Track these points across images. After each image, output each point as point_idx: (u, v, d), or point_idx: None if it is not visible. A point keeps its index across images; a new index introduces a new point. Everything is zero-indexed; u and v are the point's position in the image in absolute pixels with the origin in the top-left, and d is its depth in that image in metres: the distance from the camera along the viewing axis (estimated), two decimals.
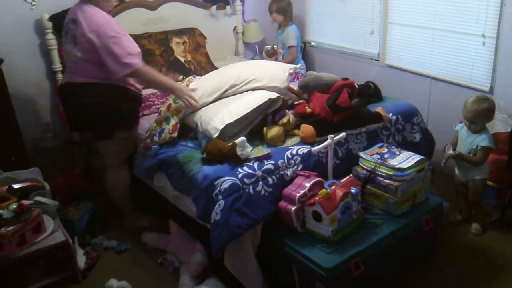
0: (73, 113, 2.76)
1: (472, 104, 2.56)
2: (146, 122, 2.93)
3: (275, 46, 4.29)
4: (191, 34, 3.90)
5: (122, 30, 2.54)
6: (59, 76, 3.38)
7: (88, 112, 2.63)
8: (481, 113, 2.55)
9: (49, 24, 3.31)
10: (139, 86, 2.78)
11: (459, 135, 2.72)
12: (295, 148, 2.41)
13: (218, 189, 2.17)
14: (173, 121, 2.63)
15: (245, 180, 2.21)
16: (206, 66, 3.81)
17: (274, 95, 2.54)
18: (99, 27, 2.46)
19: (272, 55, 4.26)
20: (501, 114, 2.88)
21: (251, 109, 2.45)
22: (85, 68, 2.57)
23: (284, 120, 2.51)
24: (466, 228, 2.79)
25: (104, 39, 2.44)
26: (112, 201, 3.00)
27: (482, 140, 2.57)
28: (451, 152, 2.63)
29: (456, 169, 2.77)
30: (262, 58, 4.28)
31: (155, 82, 2.67)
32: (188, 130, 2.68)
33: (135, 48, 2.54)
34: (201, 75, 3.14)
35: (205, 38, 4.00)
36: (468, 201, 2.77)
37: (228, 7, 4.21)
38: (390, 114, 2.79)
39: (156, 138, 2.63)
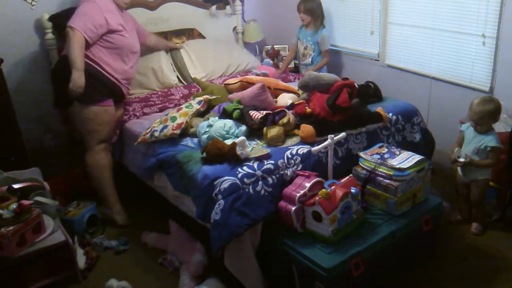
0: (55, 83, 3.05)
1: (477, 106, 2.56)
2: (147, 122, 2.94)
3: (275, 47, 4.30)
4: (190, 34, 3.91)
5: (104, 5, 2.84)
6: None
7: (52, 80, 2.99)
8: (486, 114, 2.55)
9: (49, 24, 3.31)
10: (118, 76, 2.97)
11: (465, 135, 2.71)
12: (295, 148, 2.41)
13: (218, 189, 2.17)
14: (179, 120, 2.64)
15: (245, 180, 2.21)
16: None
17: None
18: None
19: (272, 55, 4.27)
20: (501, 114, 2.88)
21: None
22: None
23: (284, 120, 2.51)
24: (466, 228, 2.79)
25: (82, 2, 2.83)
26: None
27: (490, 141, 2.57)
28: (461, 160, 2.62)
29: (458, 169, 2.77)
30: (262, 58, 4.28)
31: (70, 52, 2.74)
32: (189, 126, 2.69)
33: (89, 18, 2.76)
34: None
35: (204, 38, 4.01)
36: (469, 201, 2.77)
37: (228, 7, 4.21)
38: (390, 114, 2.79)
39: (156, 134, 2.64)
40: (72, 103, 2.84)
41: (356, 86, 2.76)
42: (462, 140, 2.74)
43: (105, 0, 2.88)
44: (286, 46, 4.33)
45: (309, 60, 3.91)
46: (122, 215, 3.03)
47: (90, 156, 2.96)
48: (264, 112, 2.57)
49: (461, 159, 2.63)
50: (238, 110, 2.59)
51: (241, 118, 2.59)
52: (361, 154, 2.49)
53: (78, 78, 2.72)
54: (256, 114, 2.55)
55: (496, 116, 2.60)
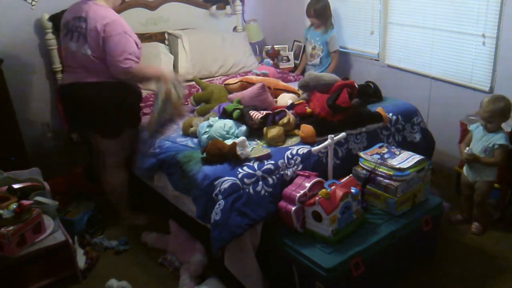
0: (79, 112, 2.71)
1: (488, 104, 2.57)
2: (147, 121, 2.93)
3: (275, 47, 4.29)
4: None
5: (129, 30, 2.60)
6: (59, 76, 3.38)
7: (98, 111, 2.62)
8: (497, 112, 2.55)
9: (49, 24, 3.31)
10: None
11: (474, 135, 2.71)
12: (295, 148, 2.41)
13: (218, 189, 2.17)
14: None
15: (245, 180, 2.21)
16: None
17: None
18: (108, 22, 2.51)
19: (272, 55, 4.26)
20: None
21: None
22: (95, 66, 2.58)
23: (284, 120, 2.51)
24: (466, 228, 2.79)
25: (111, 34, 2.50)
26: (110, 200, 3.01)
27: (499, 139, 2.57)
28: (466, 151, 2.63)
29: (464, 169, 2.77)
30: (262, 58, 4.28)
31: (146, 76, 2.66)
32: (189, 125, 2.69)
33: (135, 50, 2.57)
34: None
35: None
36: (471, 202, 2.77)
37: (228, 7, 4.21)
38: (390, 114, 2.79)
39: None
40: (123, 130, 2.72)
41: (356, 86, 2.76)
42: (469, 140, 2.74)
43: (126, 24, 2.61)
44: (286, 46, 4.33)
45: (317, 60, 3.87)
46: (140, 216, 3.02)
47: (120, 173, 2.85)
48: (264, 112, 2.57)
49: (466, 150, 2.63)
50: (238, 110, 2.59)
51: (241, 118, 2.59)
52: (361, 154, 2.49)
53: (168, 73, 2.68)
54: (256, 114, 2.55)
55: (507, 114, 2.59)
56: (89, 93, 2.61)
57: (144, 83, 2.82)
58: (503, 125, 2.80)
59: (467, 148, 2.65)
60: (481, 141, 2.65)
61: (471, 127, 2.75)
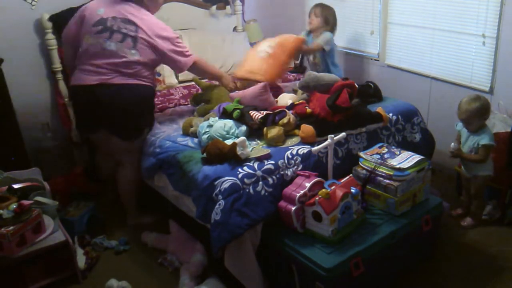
0: (101, 114, 2.64)
1: (464, 105, 2.61)
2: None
3: None
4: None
5: (175, 32, 2.81)
6: (59, 76, 3.38)
7: (124, 113, 2.63)
8: (473, 113, 2.58)
9: (49, 24, 3.30)
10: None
11: (461, 134, 2.76)
12: (295, 148, 2.41)
13: (218, 189, 2.17)
14: None
15: (245, 180, 2.21)
16: None
17: None
18: (162, 32, 2.70)
19: None
20: (501, 114, 2.89)
21: None
22: (133, 70, 2.61)
23: (284, 120, 2.51)
24: (466, 228, 2.80)
25: (171, 41, 2.70)
26: (114, 200, 3.01)
27: (482, 139, 2.61)
28: (452, 146, 2.68)
29: (462, 166, 2.82)
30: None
31: (209, 71, 2.98)
32: (189, 125, 2.70)
33: (186, 46, 2.83)
34: None
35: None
36: (470, 195, 2.81)
37: (228, 7, 4.21)
38: (390, 114, 2.79)
39: None
40: (144, 131, 2.76)
41: (356, 86, 2.76)
42: (459, 138, 2.77)
43: (169, 28, 2.80)
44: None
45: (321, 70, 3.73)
46: (147, 215, 3.02)
47: (128, 172, 2.84)
48: (264, 112, 2.57)
49: (452, 145, 2.69)
50: (238, 110, 2.59)
51: (241, 118, 2.59)
52: (361, 154, 2.49)
53: (229, 81, 3.03)
54: (256, 114, 2.55)
55: (484, 115, 2.61)
56: (120, 94, 2.60)
57: (204, 76, 3.12)
58: (503, 124, 2.81)
59: (452, 144, 2.71)
60: (467, 141, 2.69)
61: (458, 126, 2.78)
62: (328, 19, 3.57)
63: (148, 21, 2.69)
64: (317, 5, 3.64)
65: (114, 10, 2.64)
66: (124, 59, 2.59)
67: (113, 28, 2.60)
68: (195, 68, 2.86)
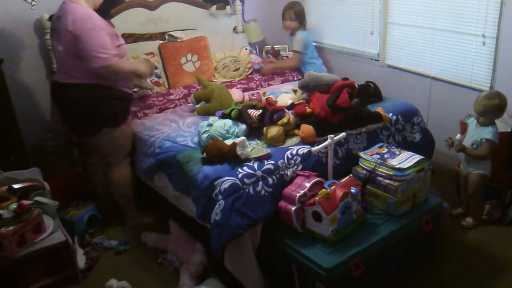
0: (64, 113, 2.92)
1: (483, 99, 2.61)
2: (148, 122, 2.94)
3: (275, 47, 4.29)
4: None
5: (103, 25, 2.62)
6: None
7: (71, 112, 2.78)
8: (490, 108, 2.60)
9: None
10: (128, 85, 2.86)
11: (469, 128, 2.76)
12: (295, 148, 2.41)
13: (218, 189, 2.17)
14: None
15: (245, 180, 2.21)
16: None
17: None
18: (78, 18, 2.55)
19: (272, 55, 4.26)
20: (505, 110, 2.88)
21: None
22: (68, 64, 2.66)
23: (284, 120, 2.51)
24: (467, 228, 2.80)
25: (82, 30, 2.52)
26: (113, 200, 3.01)
27: (487, 133, 2.62)
28: (458, 137, 2.69)
29: (461, 164, 2.82)
30: (262, 58, 4.27)
31: (125, 72, 2.75)
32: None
33: (109, 44, 2.59)
34: None
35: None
36: (468, 195, 2.82)
37: (228, 7, 4.21)
38: (390, 114, 2.79)
39: None
40: (101, 130, 2.73)
41: (356, 86, 2.76)
42: (465, 132, 2.79)
43: (97, 18, 2.62)
44: (286, 46, 4.32)
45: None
46: (147, 215, 3.02)
47: (119, 172, 2.88)
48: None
49: (458, 136, 2.70)
50: (236, 110, 2.60)
51: (240, 118, 2.60)
52: (361, 154, 2.49)
53: (145, 69, 2.90)
54: (254, 112, 2.56)
55: (500, 112, 2.64)
56: (65, 94, 2.72)
57: (127, 79, 2.82)
58: (503, 124, 2.81)
59: (458, 135, 2.72)
60: (472, 134, 2.70)
61: (468, 120, 2.80)
62: (301, 17, 3.77)
63: (70, 9, 2.57)
64: (288, 8, 3.79)
65: (58, 11, 2.68)
66: (59, 55, 2.68)
67: (53, 28, 2.71)
68: (107, 71, 2.61)
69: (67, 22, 2.54)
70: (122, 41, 2.78)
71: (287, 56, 4.22)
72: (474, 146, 2.68)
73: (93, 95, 2.67)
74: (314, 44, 4.26)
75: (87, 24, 2.54)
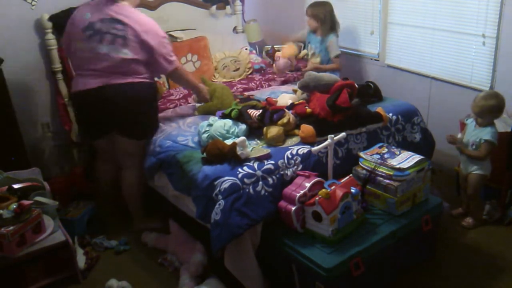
0: (107, 114, 2.65)
1: (480, 99, 2.62)
2: None
3: (275, 47, 4.29)
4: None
5: (164, 33, 2.72)
6: (59, 76, 3.37)
7: (128, 111, 2.63)
8: (487, 109, 2.59)
9: (49, 24, 3.30)
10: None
11: (467, 127, 2.76)
12: (295, 148, 2.41)
13: (218, 189, 2.17)
14: None
15: (245, 180, 2.21)
16: None
17: None
18: (152, 28, 2.64)
19: (272, 55, 4.26)
20: (503, 111, 2.88)
21: None
22: (130, 68, 2.60)
23: (284, 120, 2.51)
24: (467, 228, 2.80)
25: (158, 39, 2.63)
26: (116, 201, 3.00)
27: (485, 134, 2.62)
28: (459, 136, 2.72)
29: (461, 164, 2.82)
30: (262, 58, 4.27)
31: (188, 81, 2.89)
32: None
33: (172, 50, 2.74)
34: None
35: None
36: (467, 196, 2.82)
37: (228, 7, 4.21)
38: (390, 114, 2.79)
39: None
40: (151, 131, 2.75)
41: (356, 86, 2.76)
42: (465, 132, 2.79)
43: (156, 23, 2.69)
44: (286, 46, 4.32)
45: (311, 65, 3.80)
46: (154, 219, 2.97)
47: (132, 175, 2.81)
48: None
49: (459, 135, 2.72)
50: (236, 110, 2.60)
51: (240, 118, 2.60)
52: (361, 154, 2.49)
53: (206, 93, 2.96)
54: (254, 112, 2.56)
55: (497, 113, 2.64)
56: (123, 93, 2.59)
57: (187, 87, 3.14)
58: (503, 124, 2.81)
59: (460, 134, 2.74)
60: (471, 135, 2.71)
61: (467, 121, 2.79)
62: (319, 16, 3.55)
63: (135, 18, 2.61)
64: (308, 6, 3.66)
65: (100, 12, 2.60)
66: (118, 60, 2.56)
67: (102, 31, 2.57)
68: (175, 75, 2.79)
69: (139, 31, 2.57)
70: None
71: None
72: (473, 146, 2.68)
73: (152, 93, 2.75)
74: None
75: (160, 33, 2.66)
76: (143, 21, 2.63)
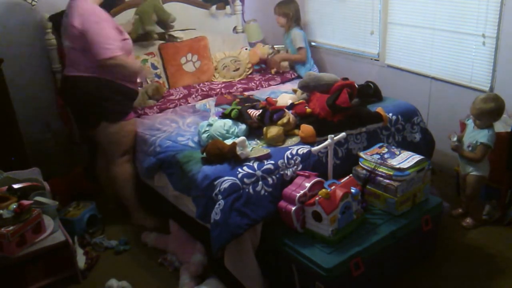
0: (69, 105, 3.02)
1: (479, 102, 2.62)
2: (148, 122, 2.96)
3: (275, 47, 4.29)
4: None
5: (107, 18, 2.70)
6: (59, 76, 3.38)
7: (75, 103, 2.86)
8: (486, 112, 2.59)
9: (49, 24, 3.31)
10: (136, 82, 2.93)
11: (467, 128, 2.77)
12: (295, 148, 2.41)
13: (218, 189, 2.17)
14: None
15: (245, 180, 2.21)
16: None
17: None
18: (84, 13, 2.61)
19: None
20: (503, 114, 2.88)
21: None
22: (74, 58, 2.71)
23: (284, 120, 2.51)
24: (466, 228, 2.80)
25: (88, 24, 2.59)
26: (115, 199, 3.00)
27: (482, 137, 2.62)
28: (454, 140, 2.70)
29: (459, 162, 2.83)
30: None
31: (131, 69, 2.79)
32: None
33: (115, 37, 2.66)
34: None
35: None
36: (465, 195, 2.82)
37: (228, 7, 4.21)
38: (390, 114, 2.79)
39: None
40: (100, 124, 2.75)
41: (356, 86, 2.76)
42: (464, 132, 2.79)
43: (102, 12, 2.69)
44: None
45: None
46: (150, 218, 2.98)
47: (115, 168, 2.88)
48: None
49: (454, 139, 2.71)
50: (236, 110, 2.60)
51: (240, 117, 2.60)
52: (361, 154, 2.49)
53: (144, 72, 3.02)
54: (254, 112, 2.56)
55: (496, 116, 2.63)
56: (69, 86, 2.78)
57: (131, 76, 2.85)
58: (503, 124, 2.81)
59: (455, 136, 2.72)
60: (469, 136, 2.71)
61: (467, 121, 2.79)
62: (287, 13, 3.81)
63: (76, 4, 2.65)
64: (276, 5, 3.86)
65: (66, 7, 2.75)
66: (66, 50, 2.76)
67: (63, 24, 2.75)
68: (109, 64, 2.63)
69: (73, 18, 2.61)
70: (126, 35, 2.82)
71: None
72: (470, 148, 2.68)
73: (97, 88, 2.70)
74: (314, 44, 4.28)
75: (92, 17, 2.60)
76: (79, 7, 2.63)
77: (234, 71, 3.76)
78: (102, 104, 2.72)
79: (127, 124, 2.85)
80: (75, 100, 2.82)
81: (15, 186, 2.58)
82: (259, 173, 2.24)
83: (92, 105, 2.74)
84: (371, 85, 3.02)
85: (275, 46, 4.25)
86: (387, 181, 2.31)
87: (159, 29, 3.66)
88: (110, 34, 2.64)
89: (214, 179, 2.20)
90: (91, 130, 2.85)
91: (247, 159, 2.30)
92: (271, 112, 2.51)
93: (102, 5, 2.78)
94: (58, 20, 3.27)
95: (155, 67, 3.49)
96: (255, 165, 2.27)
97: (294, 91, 3.15)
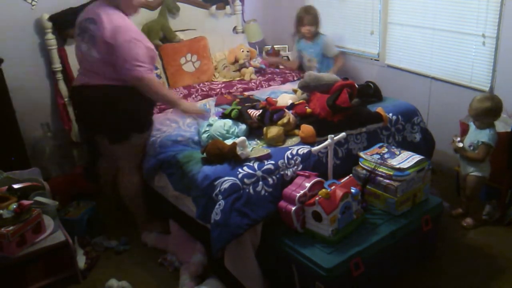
0: (88, 116, 2.68)
1: (476, 102, 2.63)
2: None
3: (275, 47, 4.29)
4: None
5: (141, 37, 2.52)
6: (59, 76, 3.38)
7: (103, 114, 2.57)
8: (482, 111, 2.60)
9: (49, 24, 3.31)
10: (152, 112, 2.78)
11: (470, 128, 2.77)
12: (295, 148, 2.41)
13: (218, 189, 2.17)
14: None
15: (245, 180, 2.21)
16: None
17: None
18: (118, 29, 2.43)
19: (272, 55, 4.26)
20: (502, 112, 2.88)
21: None
22: (102, 69, 2.52)
23: (284, 120, 2.51)
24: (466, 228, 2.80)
25: (120, 41, 2.41)
26: (117, 202, 2.99)
27: (483, 136, 2.63)
28: (457, 140, 2.71)
29: (460, 162, 2.83)
30: (262, 58, 4.28)
31: (160, 94, 2.60)
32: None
33: (146, 58, 2.48)
34: None
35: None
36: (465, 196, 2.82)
37: (228, 7, 4.21)
38: (390, 114, 2.79)
39: None
40: (130, 135, 2.61)
41: (356, 86, 2.76)
42: (466, 133, 2.80)
43: (136, 30, 2.53)
44: (286, 46, 4.33)
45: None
46: (158, 223, 2.90)
47: (132, 178, 2.75)
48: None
49: (457, 139, 2.72)
50: (236, 110, 2.60)
51: (240, 118, 2.60)
52: (361, 154, 2.49)
53: (189, 106, 2.74)
54: (254, 112, 2.56)
55: (494, 115, 2.64)
56: (96, 96, 2.55)
57: (159, 101, 2.81)
58: (503, 124, 2.81)
59: (457, 138, 2.73)
60: (470, 136, 2.72)
61: (470, 122, 2.80)
62: (318, 21, 3.69)
63: (109, 17, 2.47)
64: (307, 13, 3.67)
65: (87, 12, 2.58)
66: (92, 59, 2.53)
67: (83, 29, 2.56)
68: (140, 84, 2.49)
69: (105, 32, 2.42)
70: (153, 48, 2.64)
71: (287, 56, 4.23)
72: (471, 148, 2.68)
73: (127, 97, 2.53)
74: None
75: (127, 35, 2.43)
76: (113, 22, 2.46)
77: (234, 71, 3.76)
78: (132, 114, 2.57)
79: (149, 134, 2.76)
80: (100, 110, 2.56)
81: (15, 186, 2.58)
82: (259, 173, 2.25)
83: (121, 117, 2.55)
84: (371, 85, 3.02)
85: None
86: (387, 181, 2.31)
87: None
88: (140, 55, 2.44)
89: (214, 179, 2.20)
90: (115, 143, 2.64)
91: (247, 159, 2.30)
92: (271, 112, 2.51)
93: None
94: (58, 20, 3.28)
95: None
96: (255, 165, 2.27)
97: (294, 91, 3.15)
